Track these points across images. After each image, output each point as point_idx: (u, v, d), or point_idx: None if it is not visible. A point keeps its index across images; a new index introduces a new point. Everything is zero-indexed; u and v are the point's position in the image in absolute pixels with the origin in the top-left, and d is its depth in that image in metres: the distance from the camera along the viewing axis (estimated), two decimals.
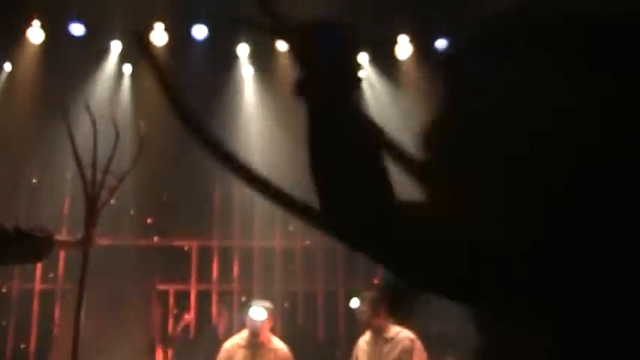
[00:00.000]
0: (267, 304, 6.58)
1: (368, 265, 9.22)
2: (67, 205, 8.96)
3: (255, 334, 6.31)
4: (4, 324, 8.72)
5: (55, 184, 8.78)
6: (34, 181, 9.02)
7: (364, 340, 6.29)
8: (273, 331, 6.71)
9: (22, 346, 8.66)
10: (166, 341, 8.34)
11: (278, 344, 6.44)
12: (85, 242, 4.11)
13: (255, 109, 9.24)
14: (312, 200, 1.29)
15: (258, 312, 6.35)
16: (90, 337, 8.58)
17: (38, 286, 8.83)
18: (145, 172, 8.71)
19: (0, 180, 8.54)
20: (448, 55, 1.37)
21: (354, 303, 6.28)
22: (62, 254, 8.84)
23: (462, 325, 7.42)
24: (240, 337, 6.45)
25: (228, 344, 6.49)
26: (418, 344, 6.12)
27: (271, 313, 6.47)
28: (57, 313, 8.75)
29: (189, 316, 8.52)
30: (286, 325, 8.63)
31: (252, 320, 6.35)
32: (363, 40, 7.38)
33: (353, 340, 6.44)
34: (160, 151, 8.85)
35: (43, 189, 8.91)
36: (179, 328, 8.24)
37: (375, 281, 9.01)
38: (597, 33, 1.10)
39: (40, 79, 8.62)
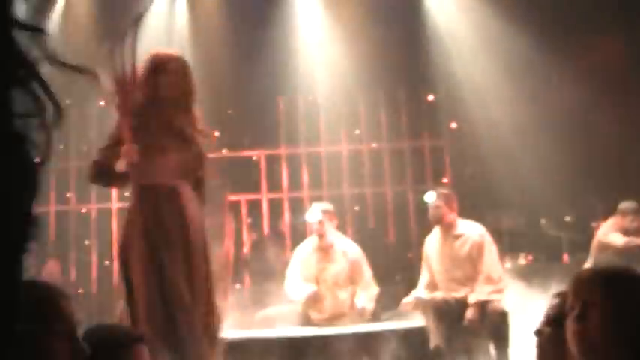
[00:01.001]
0: (326, 205, 6.62)
1: (436, 166, 9.20)
2: None
3: (319, 236, 6.41)
4: (87, 242, 9.04)
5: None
6: (101, 103, 9.15)
7: (433, 238, 6.30)
8: (343, 232, 6.79)
9: (106, 262, 8.98)
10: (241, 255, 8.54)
11: (348, 245, 6.51)
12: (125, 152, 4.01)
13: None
14: None
15: (313, 213, 6.42)
16: None
17: (115, 205, 9.08)
18: (207, 89, 8.79)
19: (65, 103, 8.70)
20: None
21: (429, 197, 6.25)
22: None
23: (533, 221, 7.42)
24: (310, 241, 6.55)
25: (298, 248, 6.61)
26: (488, 238, 6.10)
27: (331, 213, 6.50)
28: None
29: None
30: (357, 227, 8.72)
31: (309, 223, 6.45)
32: None
33: (423, 241, 6.47)
34: (222, 65, 8.88)
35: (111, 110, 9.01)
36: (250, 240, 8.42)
37: (444, 180, 9.00)
38: None
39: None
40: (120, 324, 2.72)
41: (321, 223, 6.36)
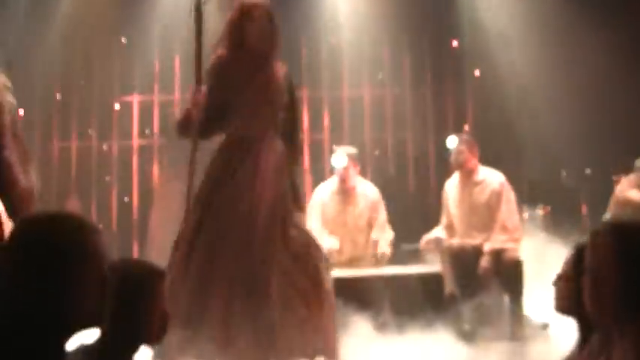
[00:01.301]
0: (350, 148, 6.59)
1: (457, 113, 9.14)
2: (157, 64, 9.10)
3: (342, 180, 6.39)
4: (107, 179, 9.09)
5: (142, 41, 8.90)
6: (123, 40, 9.13)
7: (452, 184, 6.29)
8: (363, 176, 6.78)
9: (126, 199, 9.04)
10: None
11: (368, 188, 6.50)
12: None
13: None
14: None
15: (339, 159, 6.39)
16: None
17: (136, 142, 9.11)
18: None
19: (89, 39, 8.70)
20: None
21: (451, 142, 6.21)
22: (156, 112, 9.07)
23: (554, 172, 7.37)
24: (331, 183, 6.54)
25: (319, 189, 6.60)
26: (508, 187, 6.09)
27: (354, 157, 6.47)
28: (154, 169, 9.06)
29: None
30: (376, 172, 8.72)
31: (335, 167, 6.44)
32: None
33: (443, 188, 6.46)
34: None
35: (133, 47, 9.02)
36: None
37: (466, 127, 8.94)
38: None
39: None
40: (143, 260, 2.75)
41: (346, 169, 6.34)
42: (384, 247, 6.25)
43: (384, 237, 6.31)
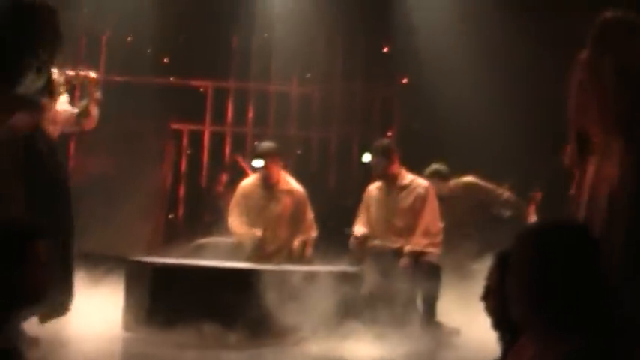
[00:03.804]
0: (268, 144, 6.46)
1: (384, 115, 9.19)
2: (83, 43, 8.91)
3: (264, 177, 6.31)
4: None
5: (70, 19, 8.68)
6: None
7: (376, 188, 6.30)
8: (286, 172, 6.71)
9: None
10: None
11: (294, 185, 6.44)
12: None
13: None
14: None
15: (257, 161, 6.32)
16: (108, 172, 8.73)
17: None
18: (163, 13, 8.59)
19: None
20: None
21: (366, 157, 6.27)
22: None
23: None
24: (257, 178, 6.46)
25: (244, 183, 6.52)
26: (432, 192, 6.16)
27: (273, 154, 6.29)
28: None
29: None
30: (299, 170, 8.67)
31: (255, 167, 6.36)
32: None
33: (364, 189, 6.46)
34: None
35: None
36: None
37: (389, 134, 8.99)
38: None
39: None
40: (19, 217, 2.51)
41: (266, 167, 6.26)
42: (307, 245, 6.21)
43: (308, 235, 6.26)
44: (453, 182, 6.89)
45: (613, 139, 3.94)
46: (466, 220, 6.74)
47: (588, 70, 4.00)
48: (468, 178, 6.97)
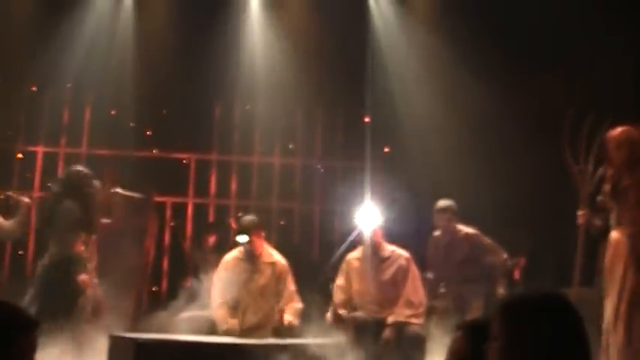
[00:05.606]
0: (250, 218, 6.46)
1: (365, 187, 9.22)
2: (66, 116, 8.96)
3: (249, 251, 6.29)
4: None
5: (54, 93, 8.78)
6: (33, 89, 8.96)
7: (355, 258, 6.31)
8: (268, 243, 6.70)
9: (20, 252, 8.73)
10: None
11: (276, 257, 6.42)
12: None
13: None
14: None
15: (241, 237, 6.31)
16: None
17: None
18: (145, 85, 8.69)
19: None
20: None
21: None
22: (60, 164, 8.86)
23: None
24: (239, 250, 6.44)
25: (227, 257, 6.48)
26: (413, 263, 6.19)
27: (257, 227, 6.32)
28: None
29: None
30: (281, 242, 8.66)
31: (239, 243, 6.35)
32: None
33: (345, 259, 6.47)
34: (162, 65, 8.78)
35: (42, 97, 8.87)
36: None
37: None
38: None
39: None
40: (18, 306, 2.52)
41: (250, 241, 6.25)
42: (292, 317, 6.12)
43: (292, 307, 6.20)
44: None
45: None
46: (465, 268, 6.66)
47: None
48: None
